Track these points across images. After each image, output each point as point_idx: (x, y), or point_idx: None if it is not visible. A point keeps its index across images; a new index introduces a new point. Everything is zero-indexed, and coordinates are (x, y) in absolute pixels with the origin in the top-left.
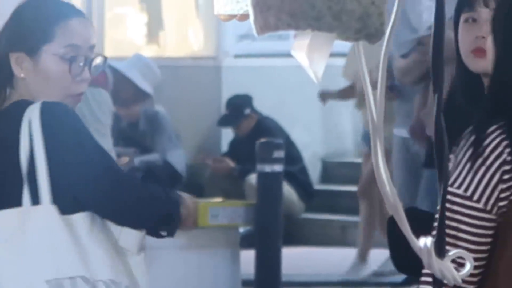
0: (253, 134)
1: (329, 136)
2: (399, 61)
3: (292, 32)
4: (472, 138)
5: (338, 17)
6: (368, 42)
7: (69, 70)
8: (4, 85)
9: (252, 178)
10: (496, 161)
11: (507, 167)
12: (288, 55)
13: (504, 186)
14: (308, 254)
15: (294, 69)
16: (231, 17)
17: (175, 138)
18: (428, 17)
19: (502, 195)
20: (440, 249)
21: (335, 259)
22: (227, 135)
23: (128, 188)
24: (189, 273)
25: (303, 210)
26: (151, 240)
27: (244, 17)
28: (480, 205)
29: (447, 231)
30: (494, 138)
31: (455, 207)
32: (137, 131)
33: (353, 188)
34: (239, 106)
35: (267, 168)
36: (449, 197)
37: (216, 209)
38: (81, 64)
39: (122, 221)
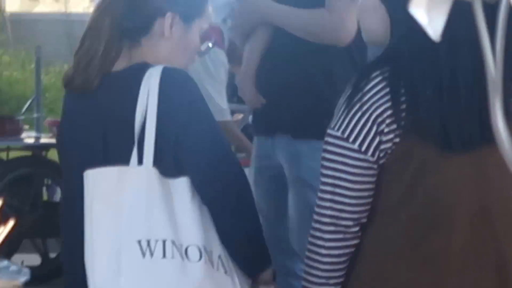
0: None
1: None
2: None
3: None
4: (354, 82)
5: None
6: (486, 1)
7: (200, 45)
8: (135, 38)
9: None
10: (373, 106)
11: (387, 112)
12: None
13: (387, 129)
14: None
15: None
16: None
17: None
18: None
19: (384, 138)
20: None
21: None
22: None
23: (230, 170)
24: None
25: None
26: None
27: None
28: (355, 146)
29: (326, 172)
30: (375, 84)
31: (332, 148)
32: None
33: None
34: None
35: None
36: (328, 139)
37: None
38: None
39: (211, 201)
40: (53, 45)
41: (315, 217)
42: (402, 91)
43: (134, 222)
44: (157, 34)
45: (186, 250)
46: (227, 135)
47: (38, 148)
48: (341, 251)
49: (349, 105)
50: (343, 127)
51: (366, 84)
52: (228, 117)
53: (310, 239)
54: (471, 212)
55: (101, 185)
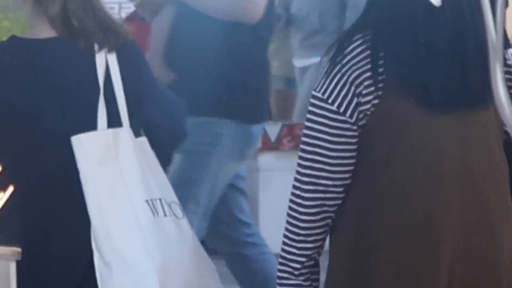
0: None
1: None
2: None
3: None
4: (337, 44)
5: None
6: None
7: None
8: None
9: None
10: (351, 68)
11: (365, 74)
12: None
13: (365, 91)
14: None
15: None
16: None
17: None
18: None
19: (362, 99)
20: None
21: None
22: None
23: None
24: None
25: None
26: (265, 162)
27: None
28: (334, 107)
29: (307, 132)
30: (356, 46)
31: (314, 109)
32: None
33: None
34: None
35: None
36: (311, 100)
37: None
38: None
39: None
40: None
41: (296, 176)
42: (381, 54)
43: (135, 183)
44: None
45: (170, 207)
46: None
47: None
48: (319, 209)
49: (330, 67)
50: (323, 88)
51: (348, 47)
52: None
53: (291, 197)
54: (455, 171)
55: (99, 149)
